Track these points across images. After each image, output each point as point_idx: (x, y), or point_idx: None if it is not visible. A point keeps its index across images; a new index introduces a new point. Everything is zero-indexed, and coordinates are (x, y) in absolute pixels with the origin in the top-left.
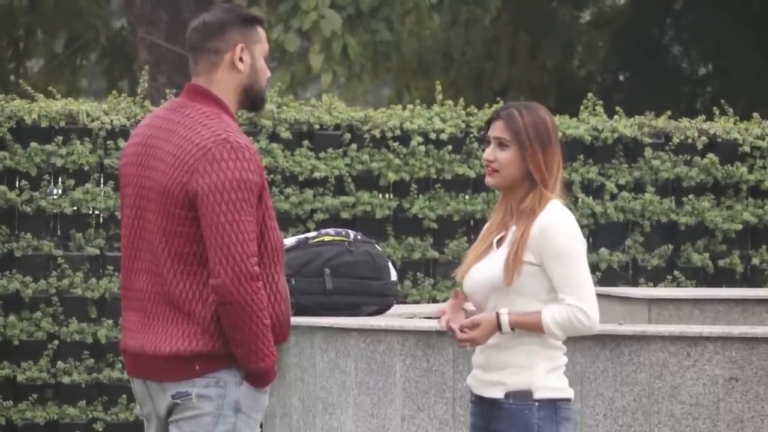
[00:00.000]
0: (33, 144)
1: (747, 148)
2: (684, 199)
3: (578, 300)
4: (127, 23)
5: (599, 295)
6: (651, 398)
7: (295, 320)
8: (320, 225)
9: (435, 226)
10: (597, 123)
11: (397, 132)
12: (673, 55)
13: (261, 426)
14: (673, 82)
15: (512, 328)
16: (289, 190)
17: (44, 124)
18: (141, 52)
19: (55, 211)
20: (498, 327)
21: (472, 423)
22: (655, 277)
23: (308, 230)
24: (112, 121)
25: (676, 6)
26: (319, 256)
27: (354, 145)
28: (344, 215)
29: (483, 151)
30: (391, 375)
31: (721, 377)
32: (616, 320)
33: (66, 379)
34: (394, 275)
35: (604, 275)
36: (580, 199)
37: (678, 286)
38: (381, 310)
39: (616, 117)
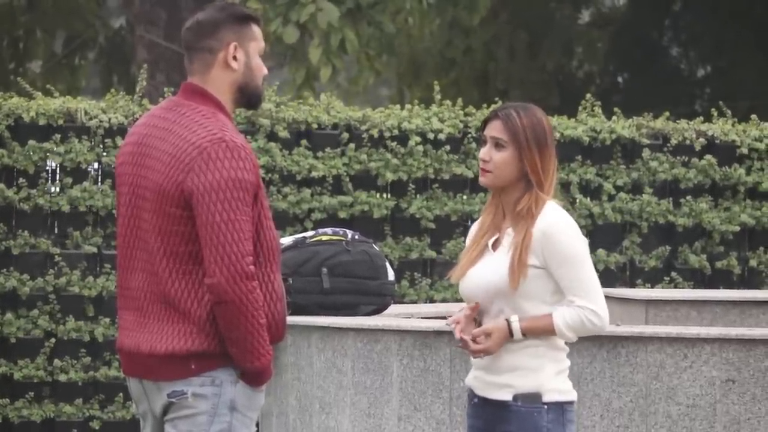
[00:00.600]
0: (31, 142)
1: (745, 150)
2: (682, 200)
3: (588, 301)
4: (125, 22)
5: None
6: (648, 399)
7: (293, 319)
8: (318, 224)
9: (432, 226)
10: (595, 124)
11: (395, 132)
12: (672, 56)
13: (258, 425)
14: (671, 83)
15: (524, 335)
16: (286, 190)
17: (42, 122)
18: (139, 51)
19: (52, 208)
20: (510, 334)
21: (471, 425)
22: (653, 279)
23: (306, 229)
24: (110, 119)
25: (675, 7)
26: (317, 256)
27: (352, 145)
28: (342, 215)
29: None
30: (388, 375)
31: (718, 379)
32: (613, 321)
33: (63, 377)
34: (391, 275)
35: (601, 276)
36: (577, 200)
37: (675, 287)
38: (378, 310)
39: (614, 118)
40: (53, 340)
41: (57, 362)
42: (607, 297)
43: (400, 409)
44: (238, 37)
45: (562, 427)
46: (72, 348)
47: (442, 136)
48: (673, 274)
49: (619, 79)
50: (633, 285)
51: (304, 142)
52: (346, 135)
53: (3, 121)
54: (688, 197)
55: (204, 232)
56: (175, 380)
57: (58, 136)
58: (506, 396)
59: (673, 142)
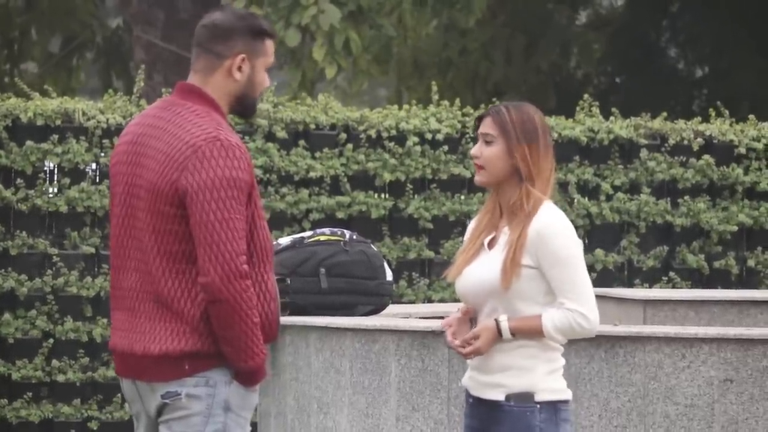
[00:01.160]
0: (28, 142)
1: (743, 150)
2: (679, 200)
3: (578, 304)
4: (122, 22)
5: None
6: (646, 399)
7: (290, 320)
8: (316, 225)
9: (430, 226)
10: (593, 124)
11: (393, 132)
12: (670, 56)
13: (255, 426)
14: (669, 84)
15: (512, 334)
16: (284, 190)
17: (40, 122)
18: (137, 51)
19: (50, 209)
20: (498, 334)
21: (467, 424)
22: (651, 278)
23: (304, 230)
24: (107, 119)
25: (673, 8)
26: (315, 256)
27: (350, 145)
28: (340, 215)
29: None
30: (386, 375)
31: (716, 379)
32: (611, 321)
33: (61, 378)
34: (389, 275)
35: (599, 276)
36: (575, 200)
37: (673, 287)
38: (376, 310)
39: (611, 118)
40: (51, 340)
41: (55, 363)
42: (604, 297)
43: (398, 409)
44: (248, 50)
45: (555, 426)
46: (70, 348)
47: (439, 137)
48: (671, 273)
49: (617, 80)
50: (631, 285)
51: (302, 142)
52: (343, 135)
53: (0, 121)
54: (686, 197)
55: (198, 230)
56: (168, 381)
57: (55, 136)
58: (499, 396)
59: (671, 142)
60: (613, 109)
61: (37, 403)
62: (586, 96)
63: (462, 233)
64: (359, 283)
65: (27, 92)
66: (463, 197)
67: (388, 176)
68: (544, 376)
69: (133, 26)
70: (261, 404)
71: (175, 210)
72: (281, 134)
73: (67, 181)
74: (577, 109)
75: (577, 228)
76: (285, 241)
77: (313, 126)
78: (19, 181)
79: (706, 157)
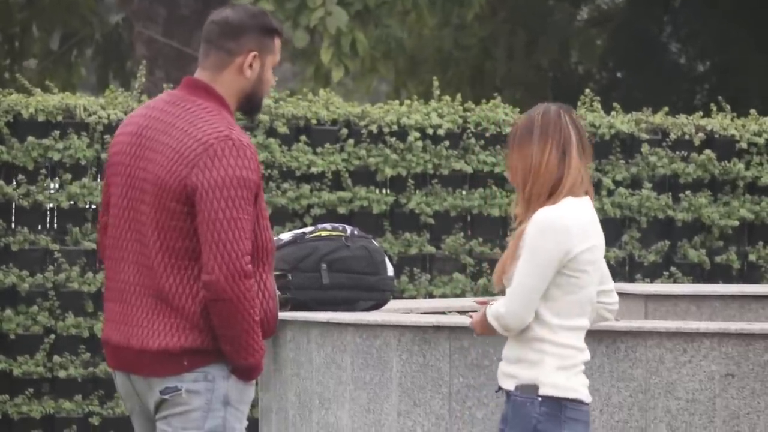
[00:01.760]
0: (30, 138)
1: (744, 145)
2: (681, 195)
3: (507, 299)
4: (122, 20)
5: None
6: (647, 394)
7: (292, 315)
8: (317, 220)
9: (432, 221)
10: (594, 119)
11: (394, 127)
12: (671, 52)
13: (256, 422)
14: (670, 79)
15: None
16: (286, 185)
17: (41, 118)
18: (138, 47)
19: (51, 205)
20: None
21: (503, 411)
22: (652, 273)
23: (305, 225)
24: (109, 115)
25: (674, 3)
26: (316, 251)
27: (351, 141)
28: (341, 210)
29: (480, 147)
30: (388, 370)
31: (718, 373)
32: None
33: (62, 374)
34: (390, 270)
35: None
36: None
37: (675, 282)
38: (377, 306)
39: (613, 113)
40: (53, 336)
41: (56, 358)
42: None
43: (399, 405)
44: (259, 47)
45: (558, 423)
46: (71, 344)
47: (441, 132)
48: (673, 268)
49: (618, 76)
50: (632, 280)
51: (303, 137)
52: (345, 131)
53: (2, 117)
54: (688, 192)
55: (205, 228)
56: (166, 377)
57: (57, 132)
58: (511, 385)
59: (672, 137)
60: (615, 104)
61: (38, 398)
62: (587, 91)
63: (463, 228)
64: (360, 279)
65: (28, 88)
66: (464, 192)
67: (389, 171)
68: (551, 371)
69: (135, 22)
70: (262, 400)
71: (181, 206)
72: (282, 129)
73: (68, 176)
74: (579, 104)
75: (557, 233)
76: (286, 236)
77: (314, 121)
78: (20, 176)
79: (708, 151)
